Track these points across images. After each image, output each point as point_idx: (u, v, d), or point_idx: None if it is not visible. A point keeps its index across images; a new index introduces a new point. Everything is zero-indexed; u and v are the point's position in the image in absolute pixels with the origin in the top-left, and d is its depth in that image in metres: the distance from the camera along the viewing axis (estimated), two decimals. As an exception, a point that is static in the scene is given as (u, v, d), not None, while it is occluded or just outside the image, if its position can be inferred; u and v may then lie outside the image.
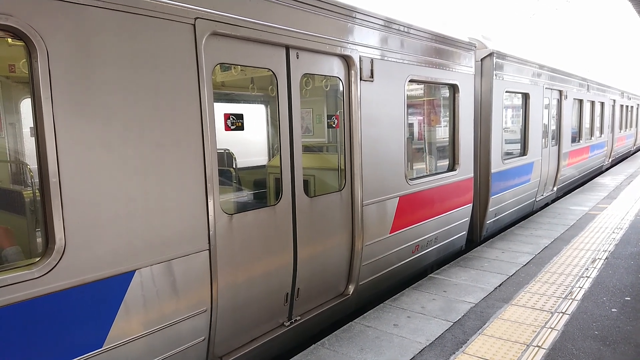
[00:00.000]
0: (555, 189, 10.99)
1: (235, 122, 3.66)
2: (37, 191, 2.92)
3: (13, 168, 4.42)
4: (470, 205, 6.92)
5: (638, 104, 23.96)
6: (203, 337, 3.38)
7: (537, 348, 3.84)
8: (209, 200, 3.28)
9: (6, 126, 4.43)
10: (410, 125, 6.07)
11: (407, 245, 5.53)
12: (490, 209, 7.52)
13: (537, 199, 9.86)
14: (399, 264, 5.48)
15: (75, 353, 2.64)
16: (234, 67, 5.12)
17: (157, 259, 3.00)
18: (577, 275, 5.56)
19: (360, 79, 4.56)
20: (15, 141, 4.35)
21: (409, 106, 5.48)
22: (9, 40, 3.39)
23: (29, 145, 4.17)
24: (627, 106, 20.52)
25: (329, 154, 5.34)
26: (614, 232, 7.54)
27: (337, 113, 4.58)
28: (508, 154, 8.30)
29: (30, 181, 4.15)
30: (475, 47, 6.85)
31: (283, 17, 3.74)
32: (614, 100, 17.31)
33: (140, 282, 2.92)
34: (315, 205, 4.25)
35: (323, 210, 4.35)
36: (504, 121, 7.82)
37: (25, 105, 4.38)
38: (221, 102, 5.77)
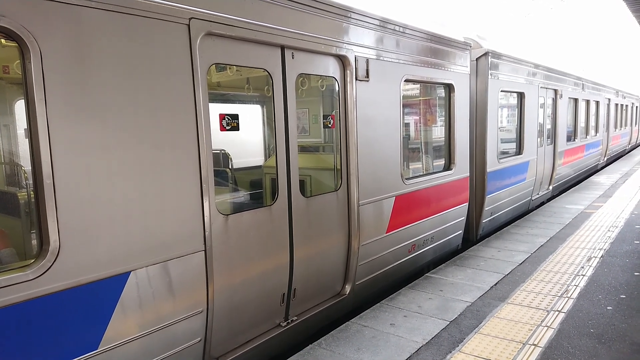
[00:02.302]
0: (550, 187, 11.03)
1: (231, 123, 3.65)
2: (31, 193, 2.91)
3: (7, 170, 4.40)
4: (466, 204, 6.94)
5: (633, 103, 24.08)
6: (199, 338, 3.37)
7: (533, 346, 3.85)
8: (204, 200, 3.27)
9: (0, 128, 4.41)
10: (406, 125, 6.08)
11: (403, 244, 5.54)
12: (486, 208, 7.54)
13: (533, 198, 9.89)
14: (396, 263, 5.48)
15: (70, 355, 2.62)
16: (230, 68, 5.11)
17: (152, 260, 2.99)
18: (573, 273, 5.58)
19: (356, 79, 4.56)
20: (9, 143, 4.33)
21: (404, 106, 5.48)
22: (3, 41, 3.38)
23: (24, 146, 4.15)
24: (622, 105, 20.61)
25: (325, 154, 5.34)
26: (609, 231, 7.57)
27: (333, 113, 4.58)
28: (504, 153, 8.32)
29: (24, 183, 4.13)
30: (471, 46, 6.86)
31: (278, 17, 3.74)
32: (609, 99, 17.39)
33: (136, 284, 2.91)
34: (311, 205, 4.25)
35: (319, 210, 4.34)
36: (500, 120, 7.84)
37: (20, 107, 4.36)
38: (216, 102, 5.76)
